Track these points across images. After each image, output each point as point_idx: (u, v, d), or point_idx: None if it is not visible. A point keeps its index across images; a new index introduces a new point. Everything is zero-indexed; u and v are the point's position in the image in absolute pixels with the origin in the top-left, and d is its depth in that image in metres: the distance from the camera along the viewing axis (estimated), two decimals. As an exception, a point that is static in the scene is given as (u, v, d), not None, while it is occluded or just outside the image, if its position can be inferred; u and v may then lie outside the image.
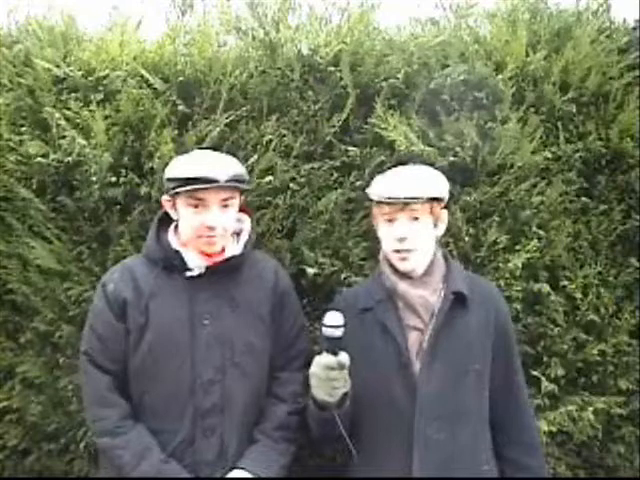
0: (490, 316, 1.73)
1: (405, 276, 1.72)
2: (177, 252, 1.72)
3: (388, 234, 1.72)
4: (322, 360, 1.57)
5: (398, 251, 1.70)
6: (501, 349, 1.73)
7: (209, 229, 1.68)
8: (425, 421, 1.62)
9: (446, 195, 1.75)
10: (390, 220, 1.71)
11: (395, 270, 1.74)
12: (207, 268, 1.72)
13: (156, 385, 1.69)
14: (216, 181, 1.65)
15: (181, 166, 1.70)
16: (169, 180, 1.70)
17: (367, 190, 1.80)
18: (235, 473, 1.67)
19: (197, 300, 1.71)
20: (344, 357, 1.56)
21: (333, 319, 1.56)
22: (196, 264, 1.72)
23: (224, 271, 1.73)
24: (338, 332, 1.55)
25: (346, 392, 1.62)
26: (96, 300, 1.77)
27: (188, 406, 1.67)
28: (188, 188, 1.65)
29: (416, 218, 1.68)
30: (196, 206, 1.67)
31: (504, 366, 1.74)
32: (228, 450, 1.69)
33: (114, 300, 1.71)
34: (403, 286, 1.70)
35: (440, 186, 1.73)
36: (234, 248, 1.75)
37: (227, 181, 1.66)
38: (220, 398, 1.68)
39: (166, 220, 1.80)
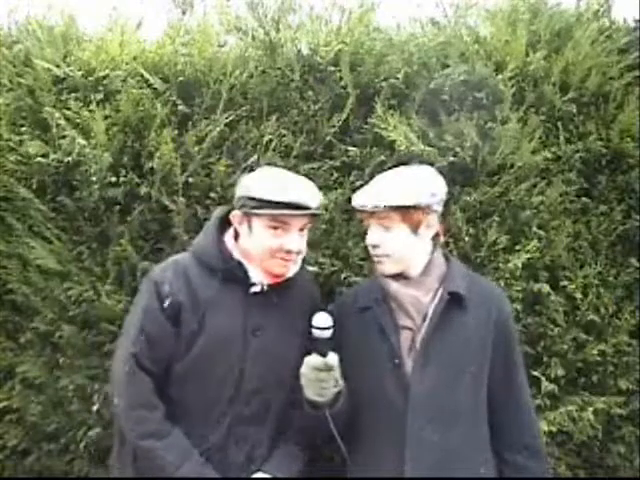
0: (490, 316, 1.71)
1: (399, 276, 1.71)
2: (240, 264, 1.71)
3: (366, 239, 1.74)
4: (310, 361, 1.58)
5: (374, 255, 1.71)
6: (501, 349, 1.72)
7: (287, 252, 1.66)
8: (417, 421, 1.62)
9: (427, 201, 1.66)
10: (367, 227, 1.73)
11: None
12: (268, 285, 1.71)
13: (199, 390, 1.67)
14: (308, 208, 1.64)
15: (268, 187, 1.64)
16: (251, 199, 1.65)
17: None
18: (257, 475, 1.69)
19: (253, 314, 1.69)
20: (332, 358, 1.57)
21: (322, 320, 1.57)
22: (259, 280, 1.69)
23: (280, 288, 1.73)
24: (327, 333, 1.56)
25: (339, 391, 1.62)
26: (148, 300, 1.69)
27: (227, 413, 1.67)
28: (282, 212, 1.62)
29: (386, 226, 1.67)
30: (276, 228, 1.65)
31: (504, 367, 1.72)
32: (256, 457, 1.70)
33: (169, 302, 1.66)
34: (395, 286, 1.70)
35: (415, 193, 1.65)
36: (295, 268, 1.73)
37: (316, 208, 1.67)
38: (258, 408, 1.70)
39: (220, 224, 1.77)
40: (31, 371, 2.37)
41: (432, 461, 1.61)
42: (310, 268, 2.24)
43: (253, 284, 1.70)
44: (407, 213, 1.65)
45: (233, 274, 1.69)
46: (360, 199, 1.70)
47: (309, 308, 1.73)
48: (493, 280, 2.23)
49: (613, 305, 2.38)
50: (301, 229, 1.69)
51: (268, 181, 1.68)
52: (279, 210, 1.62)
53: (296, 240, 1.67)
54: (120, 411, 1.68)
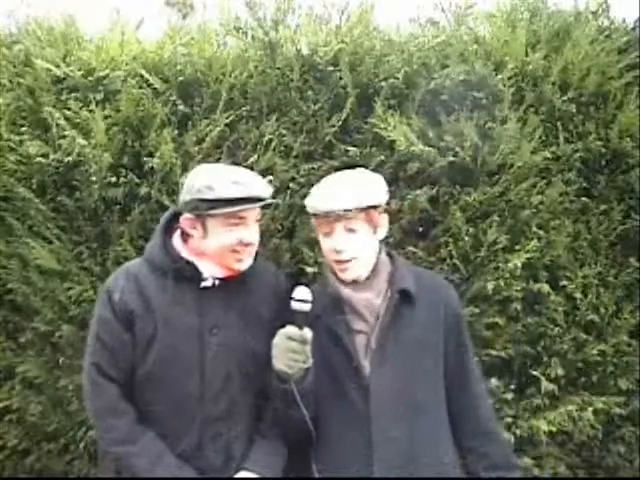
0: (439, 309, 1.72)
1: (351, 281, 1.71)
2: (189, 263, 1.69)
3: (326, 246, 1.71)
4: (286, 331, 1.59)
5: (338, 262, 1.69)
6: (452, 340, 1.73)
7: (246, 245, 1.66)
8: (381, 421, 1.63)
9: (383, 200, 1.70)
10: (327, 232, 1.69)
11: (338, 277, 1.73)
12: (219, 279, 1.71)
13: (163, 393, 1.68)
14: (262, 199, 1.64)
15: (221, 186, 1.61)
16: (204, 201, 1.62)
17: (305, 202, 1.76)
18: (241, 474, 1.68)
19: (207, 311, 1.69)
20: (308, 332, 1.58)
21: (302, 294, 1.58)
22: (211, 273, 1.69)
23: (234, 282, 1.72)
24: (306, 307, 1.58)
25: (307, 369, 1.62)
26: (101, 309, 1.71)
27: (196, 414, 1.67)
28: (240, 208, 1.61)
29: (352, 229, 1.66)
30: (233, 224, 1.64)
31: (456, 357, 1.73)
32: (235, 454, 1.70)
33: (120, 310, 1.66)
34: (347, 292, 1.70)
35: (375, 193, 1.68)
36: (249, 260, 1.71)
37: (270, 198, 1.67)
38: (228, 406, 1.69)
39: (168, 227, 1.76)
40: (31, 371, 2.37)
41: (399, 458, 1.62)
42: (309, 269, 2.25)
43: (205, 279, 1.69)
44: (369, 213, 1.66)
45: (183, 273, 1.68)
46: (325, 203, 1.66)
47: (273, 300, 1.75)
48: (493, 280, 2.24)
49: (613, 305, 2.38)
50: (257, 221, 1.69)
51: (217, 179, 1.65)
52: (236, 207, 1.61)
53: (254, 232, 1.68)
54: (91, 420, 1.72)
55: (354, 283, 1.70)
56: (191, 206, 1.66)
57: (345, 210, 1.63)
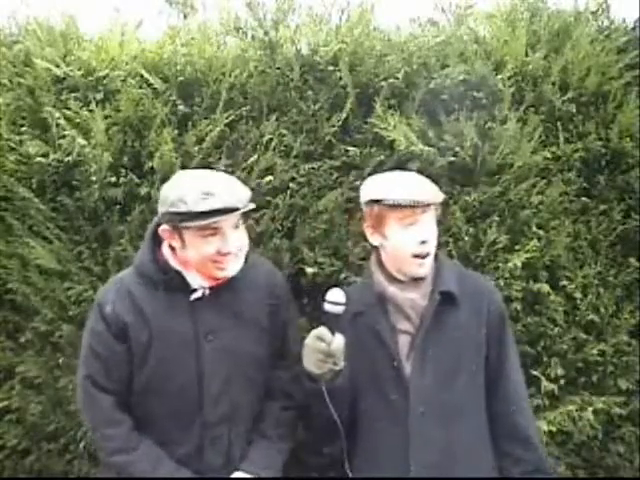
0: (482, 311, 1.72)
1: (395, 280, 1.71)
2: (178, 273, 1.69)
3: (408, 238, 1.66)
4: (316, 330, 1.59)
5: (417, 256, 1.66)
6: (494, 343, 1.72)
7: (224, 255, 1.64)
8: (419, 422, 1.63)
9: None
10: (410, 224, 1.66)
11: (387, 274, 1.72)
12: (210, 288, 1.71)
13: (162, 401, 1.69)
14: (236, 209, 1.60)
15: (190, 199, 1.57)
16: (176, 214, 1.60)
17: (374, 194, 1.70)
18: (236, 474, 1.69)
19: (200, 318, 1.69)
20: (338, 338, 1.58)
21: (335, 296, 1.58)
22: (199, 285, 1.69)
23: (224, 288, 1.72)
24: (338, 309, 1.57)
25: (338, 371, 1.61)
26: (93, 322, 1.71)
27: (196, 419, 1.68)
28: (210, 221, 1.57)
29: (433, 222, 1.69)
30: (208, 235, 1.62)
31: (497, 360, 1.73)
32: (234, 456, 1.71)
33: (113, 323, 1.67)
34: (392, 290, 1.69)
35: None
36: (237, 266, 1.70)
37: (245, 206, 1.63)
38: (229, 409, 1.70)
39: (155, 236, 1.75)
40: (31, 371, 2.38)
41: (437, 459, 1.62)
42: (309, 269, 2.25)
43: (194, 290, 1.69)
44: (438, 211, 1.71)
45: (173, 284, 1.68)
46: (416, 193, 1.64)
47: (269, 300, 1.76)
48: (493, 280, 2.23)
49: (613, 305, 2.38)
50: (236, 227, 1.66)
51: (189, 192, 1.60)
52: (207, 220, 1.57)
53: (232, 241, 1.64)
54: (89, 431, 1.76)
55: (400, 282, 1.70)
56: (166, 218, 1.65)
57: (431, 202, 1.66)
